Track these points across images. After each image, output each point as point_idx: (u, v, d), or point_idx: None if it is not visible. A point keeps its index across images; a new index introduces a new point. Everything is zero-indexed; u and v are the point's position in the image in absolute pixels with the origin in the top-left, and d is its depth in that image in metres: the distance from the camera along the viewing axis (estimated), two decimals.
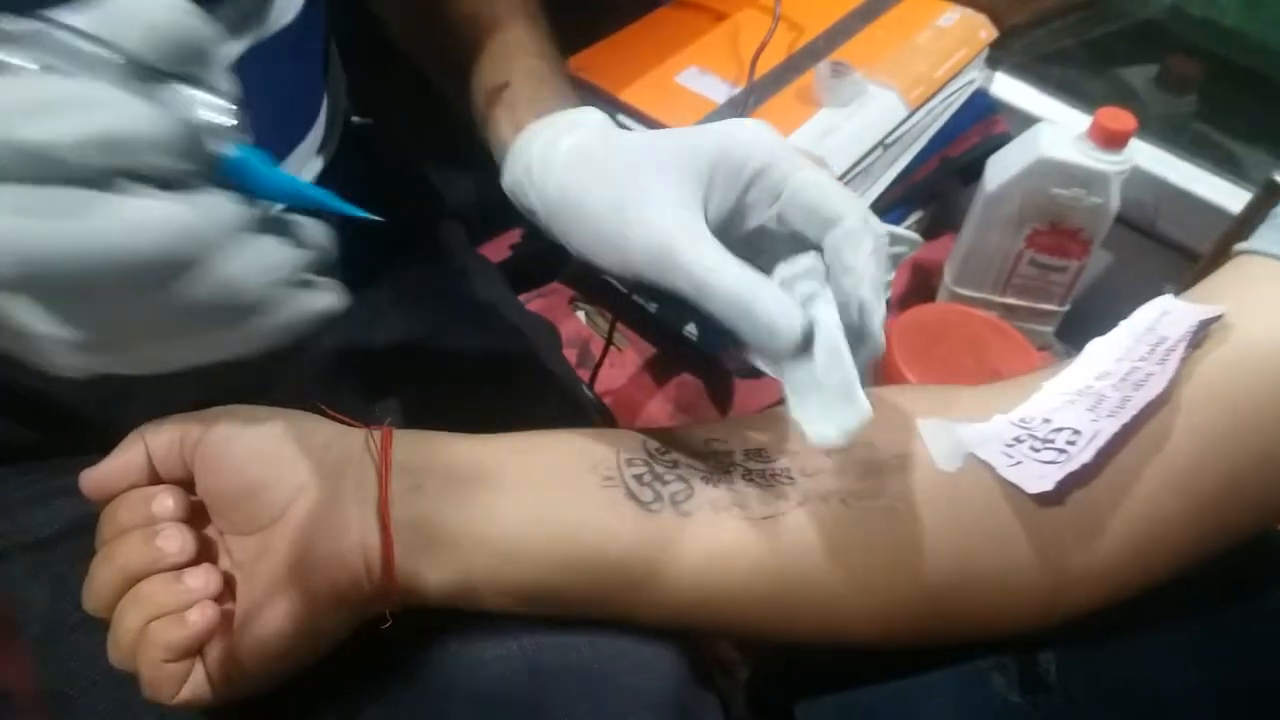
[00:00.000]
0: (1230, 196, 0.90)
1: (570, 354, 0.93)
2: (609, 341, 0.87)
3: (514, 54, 0.50)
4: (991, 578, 0.38)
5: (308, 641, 0.37)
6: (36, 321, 0.25)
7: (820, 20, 0.95)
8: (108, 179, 0.24)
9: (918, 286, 1.02)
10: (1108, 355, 0.41)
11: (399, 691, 0.38)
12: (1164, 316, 0.41)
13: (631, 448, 0.40)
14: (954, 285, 0.95)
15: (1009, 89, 1.02)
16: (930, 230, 1.03)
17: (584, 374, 0.89)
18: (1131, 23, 1.20)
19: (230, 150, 0.28)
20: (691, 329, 0.90)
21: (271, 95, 0.44)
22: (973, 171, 0.93)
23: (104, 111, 0.24)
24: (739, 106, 0.83)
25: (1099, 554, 0.38)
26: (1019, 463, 0.37)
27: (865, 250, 0.36)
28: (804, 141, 0.81)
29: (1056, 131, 0.87)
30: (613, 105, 0.85)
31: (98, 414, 0.44)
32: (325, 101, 0.49)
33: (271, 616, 0.36)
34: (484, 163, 0.49)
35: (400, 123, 0.60)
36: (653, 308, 0.92)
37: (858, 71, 0.85)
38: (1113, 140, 0.84)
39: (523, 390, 0.48)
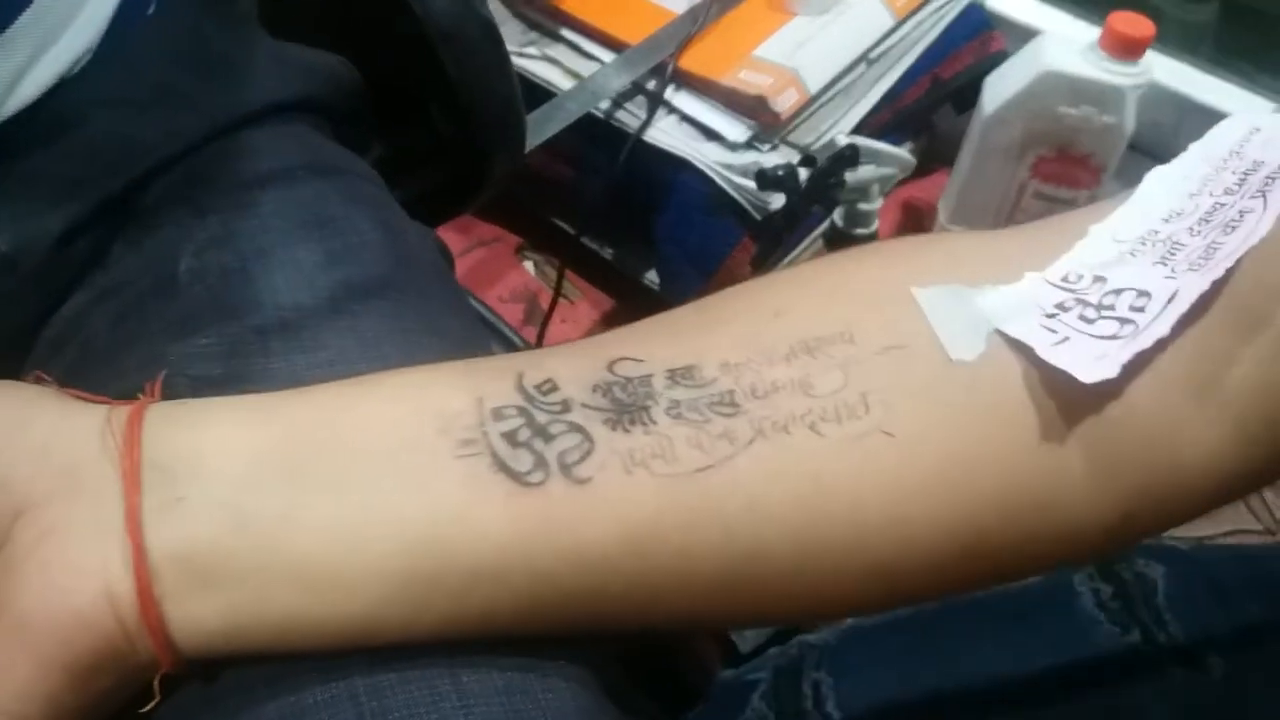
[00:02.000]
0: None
1: (516, 309, 0.84)
2: (558, 292, 0.77)
3: None
4: (1032, 512, 0.28)
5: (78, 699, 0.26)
6: None
7: None
8: None
9: (909, 228, 0.95)
10: (1180, 188, 0.30)
11: None
12: (1254, 134, 0.31)
13: (500, 390, 0.28)
14: (949, 225, 0.88)
15: (1007, 1, 0.91)
16: (922, 164, 0.94)
17: (530, 333, 0.80)
18: None
19: None
20: (653, 276, 0.79)
21: None
22: (968, 95, 0.86)
23: None
24: (699, 16, 0.72)
25: (1188, 458, 0.27)
26: (1066, 339, 0.26)
27: None
28: (774, 53, 0.71)
29: (1062, 43, 0.79)
30: (559, 20, 0.74)
31: None
32: None
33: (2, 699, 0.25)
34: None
35: None
36: (608, 253, 0.81)
37: None
38: (1128, 49, 0.76)
39: (368, 330, 0.36)
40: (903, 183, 0.88)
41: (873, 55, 0.76)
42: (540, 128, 0.69)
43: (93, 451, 0.26)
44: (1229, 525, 0.79)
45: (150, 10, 0.41)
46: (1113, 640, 0.42)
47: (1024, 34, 0.85)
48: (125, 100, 0.39)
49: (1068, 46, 0.78)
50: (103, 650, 0.25)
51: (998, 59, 0.86)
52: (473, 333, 0.41)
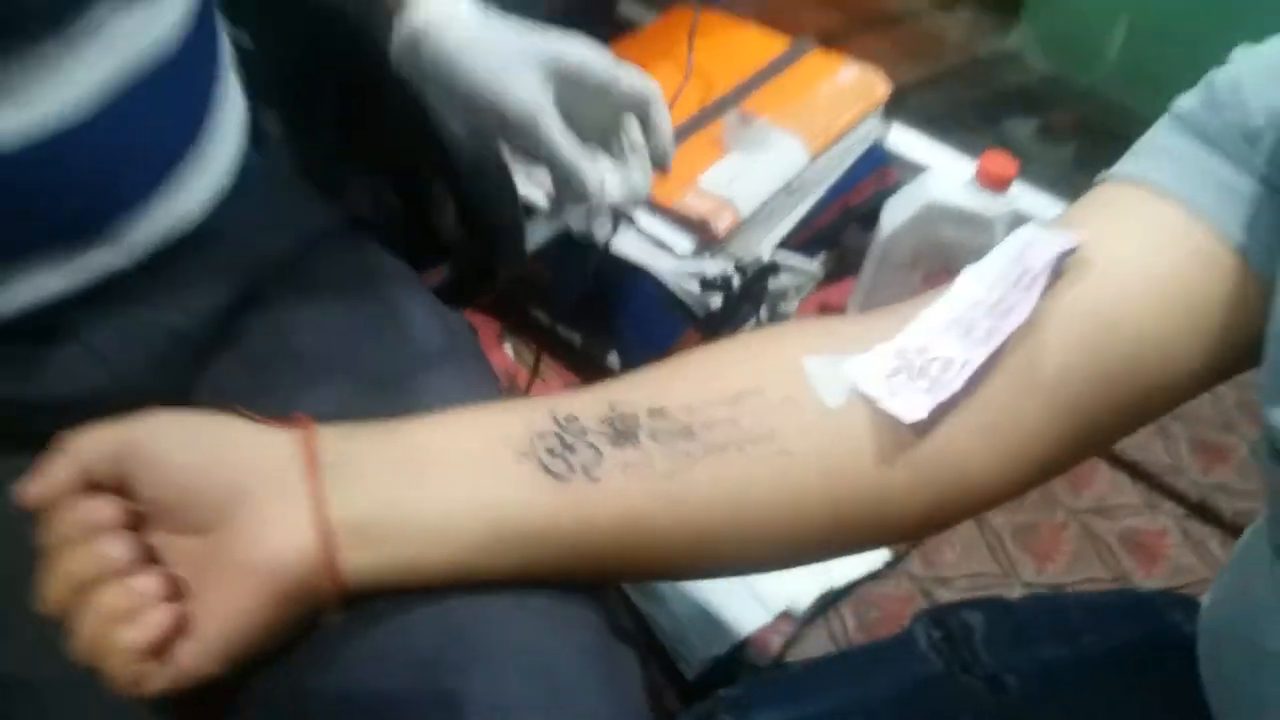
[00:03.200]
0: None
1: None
2: (534, 373, 0.92)
3: None
4: (871, 506, 0.43)
5: (261, 638, 0.40)
6: None
7: (730, 76, 1.02)
8: None
9: None
10: (979, 284, 0.45)
11: (340, 659, 0.41)
12: (1028, 247, 0.44)
13: (540, 420, 0.43)
14: None
15: (903, 142, 1.10)
16: (834, 273, 1.10)
17: None
18: (1016, 84, 1.31)
19: None
20: (614, 359, 0.95)
21: (163, 116, 0.49)
22: (870, 218, 1.00)
23: None
24: None
25: (971, 469, 0.43)
26: (896, 393, 0.42)
27: (665, 113, 0.61)
28: (714, 184, 0.88)
29: (944, 178, 0.94)
30: None
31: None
32: (225, 122, 0.54)
33: (224, 617, 0.39)
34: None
35: (304, 141, 0.65)
36: (577, 340, 0.97)
37: (764, 119, 0.92)
38: (996, 183, 0.91)
39: (441, 385, 0.52)
40: (820, 287, 1.04)
41: (793, 186, 0.94)
42: (528, 238, 0.85)
43: (284, 457, 0.41)
44: (1082, 575, 0.94)
45: (258, 157, 0.57)
46: (939, 670, 0.56)
47: (914, 169, 1.03)
48: (252, 219, 0.55)
49: (949, 181, 0.92)
50: (297, 585, 0.39)
51: (894, 189, 1.02)
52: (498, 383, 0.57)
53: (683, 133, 0.93)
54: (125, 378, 0.51)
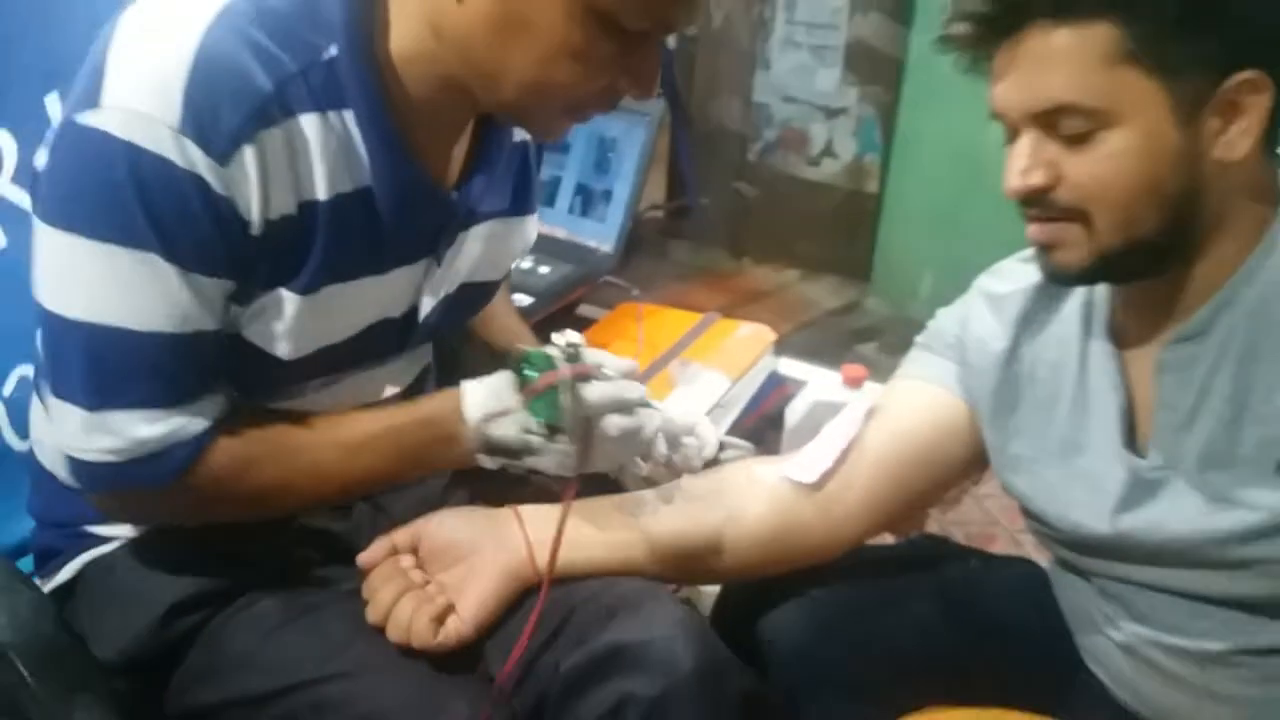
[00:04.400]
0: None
1: None
2: None
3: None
4: (796, 536, 0.87)
5: (495, 609, 0.79)
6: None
7: (667, 341, 1.53)
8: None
9: None
10: (836, 426, 0.92)
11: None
12: (855, 409, 0.92)
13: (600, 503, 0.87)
14: None
15: (792, 367, 1.61)
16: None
17: None
18: (863, 322, 1.85)
19: None
20: None
21: None
22: (778, 419, 1.48)
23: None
24: None
25: (845, 513, 0.87)
26: (799, 468, 0.87)
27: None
28: (671, 408, 1.35)
29: (821, 386, 1.44)
30: None
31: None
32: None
33: (474, 596, 0.79)
34: None
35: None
36: None
37: (696, 364, 1.41)
38: (854, 384, 1.41)
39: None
40: None
41: (722, 403, 1.41)
42: None
43: (505, 517, 0.84)
44: None
45: None
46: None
47: (800, 384, 1.53)
48: None
49: (824, 387, 1.43)
50: (517, 572, 0.81)
51: (790, 398, 1.52)
52: None
53: (645, 378, 1.41)
54: None
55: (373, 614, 0.80)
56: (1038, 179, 0.72)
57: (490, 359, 0.99)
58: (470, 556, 0.81)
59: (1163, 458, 0.79)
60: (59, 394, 0.73)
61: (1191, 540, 0.77)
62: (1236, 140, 0.70)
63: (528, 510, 0.85)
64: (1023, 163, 0.73)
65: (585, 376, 0.79)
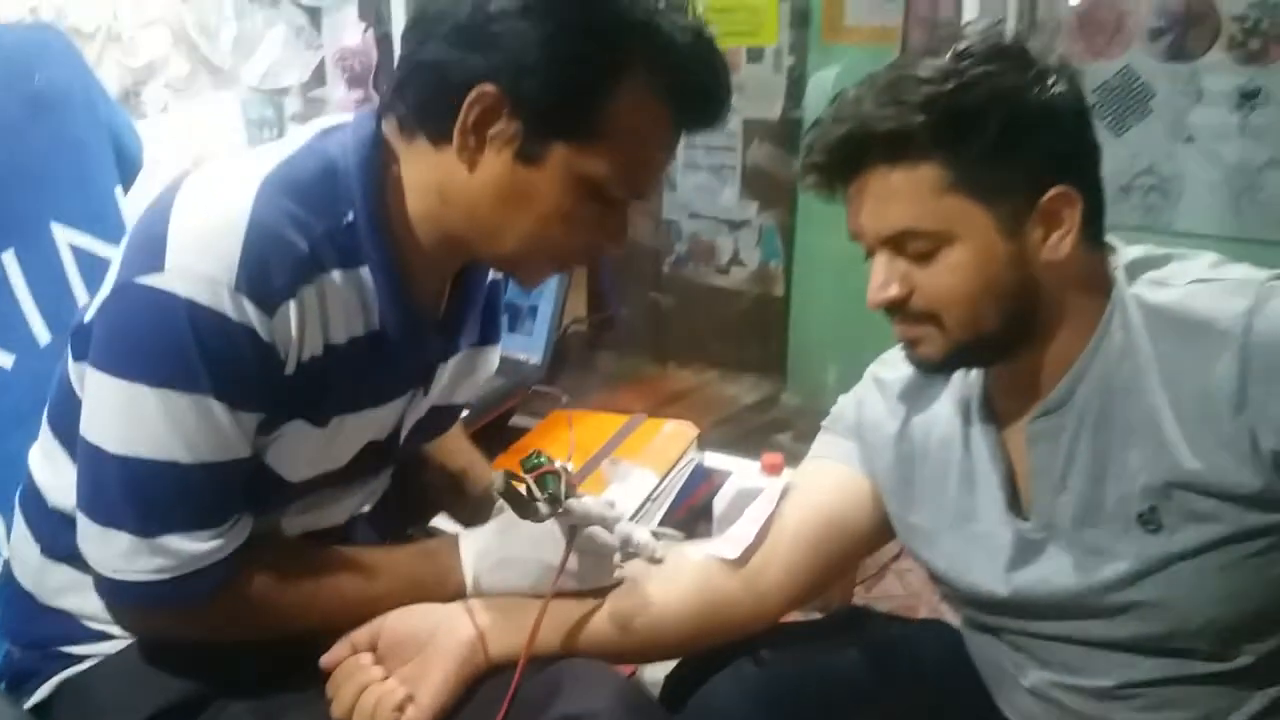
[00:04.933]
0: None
1: None
2: None
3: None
4: (725, 608, 0.95)
5: (450, 697, 0.85)
6: None
7: (597, 442, 1.62)
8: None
9: None
10: (756, 506, 1.01)
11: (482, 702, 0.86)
12: (771, 490, 1.02)
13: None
14: None
15: (716, 459, 1.71)
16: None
17: None
18: (780, 415, 1.98)
19: None
20: None
21: None
22: (708, 511, 1.58)
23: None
24: None
25: (769, 585, 0.96)
26: (728, 544, 0.96)
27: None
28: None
29: (743, 474, 1.54)
30: None
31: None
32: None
33: (431, 686, 0.85)
34: None
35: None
36: None
37: (626, 462, 1.51)
38: (773, 471, 1.50)
39: None
40: None
41: (653, 497, 1.50)
42: None
43: (455, 612, 0.90)
44: None
45: None
46: None
47: (725, 474, 1.63)
48: None
49: (746, 475, 1.51)
50: (472, 666, 0.88)
51: (716, 488, 1.61)
52: None
53: (579, 478, 1.50)
54: None
55: (337, 710, 0.86)
56: (894, 291, 0.85)
57: (444, 476, 1.11)
58: (426, 648, 0.88)
59: (1042, 520, 0.89)
60: (103, 522, 0.80)
61: (1074, 592, 0.87)
62: (1059, 244, 0.83)
63: (476, 603, 0.92)
64: (879, 279, 0.85)
65: (572, 487, 0.90)
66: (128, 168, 1.18)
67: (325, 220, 0.81)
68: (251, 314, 0.76)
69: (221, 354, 0.76)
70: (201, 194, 0.79)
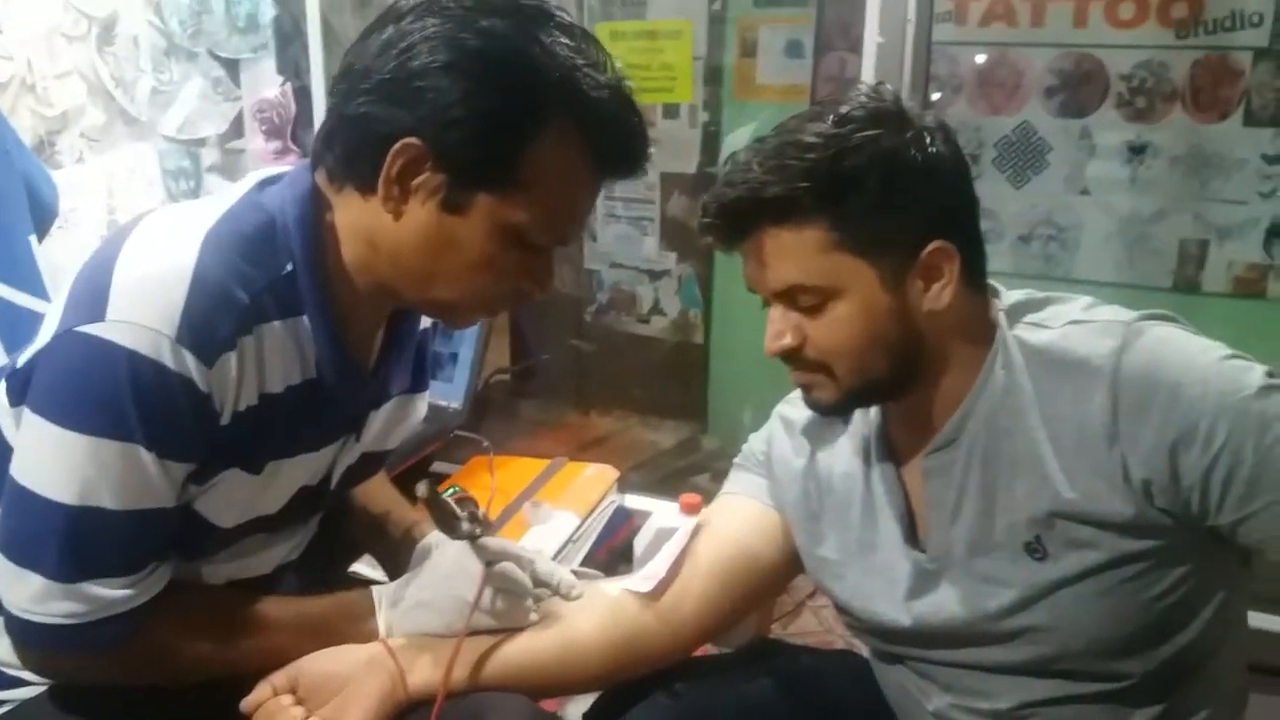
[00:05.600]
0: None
1: None
2: None
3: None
4: (641, 641, 0.98)
5: None
6: None
7: (519, 486, 1.64)
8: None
9: None
10: (670, 543, 1.04)
11: None
12: (685, 526, 1.06)
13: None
14: None
15: (636, 501, 1.74)
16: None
17: None
18: (698, 457, 2.02)
19: None
20: None
21: None
22: (629, 552, 1.61)
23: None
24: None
25: (684, 618, 0.99)
26: (638, 579, 0.99)
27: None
28: (527, 545, 1.45)
29: (663, 515, 1.58)
30: None
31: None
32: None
33: (361, 715, 0.86)
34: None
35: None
36: None
37: (547, 504, 1.53)
38: (691, 511, 1.54)
39: None
40: None
41: (574, 538, 1.53)
42: None
43: (376, 652, 0.92)
44: None
45: None
46: None
47: (645, 514, 1.66)
48: None
49: (665, 515, 1.55)
50: (392, 702, 0.89)
51: (637, 529, 1.64)
52: None
53: (500, 524, 1.52)
54: None
55: None
56: (787, 341, 0.89)
57: (367, 518, 1.13)
58: (346, 687, 0.89)
59: (937, 551, 0.94)
60: (20, 562, 0.81)
61: (968, 619, 0.91)
62: (939, 294, 0.88)
63: (395, 641, 0.93)
64: (774, 330, 0.90)
65: (490, 526, 0.93)
66: (42, 216, 1.18)
67: (267, 272, 0.82)
68: (191, 365, 0.77)
69: (156, 404, 0.77)
70: (146, 247, 0.80)
